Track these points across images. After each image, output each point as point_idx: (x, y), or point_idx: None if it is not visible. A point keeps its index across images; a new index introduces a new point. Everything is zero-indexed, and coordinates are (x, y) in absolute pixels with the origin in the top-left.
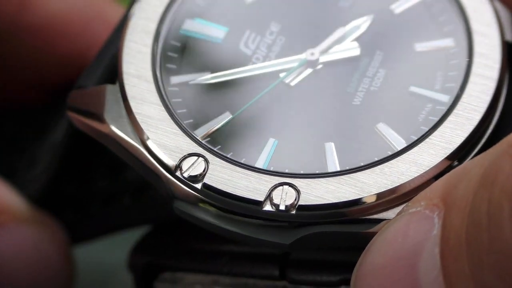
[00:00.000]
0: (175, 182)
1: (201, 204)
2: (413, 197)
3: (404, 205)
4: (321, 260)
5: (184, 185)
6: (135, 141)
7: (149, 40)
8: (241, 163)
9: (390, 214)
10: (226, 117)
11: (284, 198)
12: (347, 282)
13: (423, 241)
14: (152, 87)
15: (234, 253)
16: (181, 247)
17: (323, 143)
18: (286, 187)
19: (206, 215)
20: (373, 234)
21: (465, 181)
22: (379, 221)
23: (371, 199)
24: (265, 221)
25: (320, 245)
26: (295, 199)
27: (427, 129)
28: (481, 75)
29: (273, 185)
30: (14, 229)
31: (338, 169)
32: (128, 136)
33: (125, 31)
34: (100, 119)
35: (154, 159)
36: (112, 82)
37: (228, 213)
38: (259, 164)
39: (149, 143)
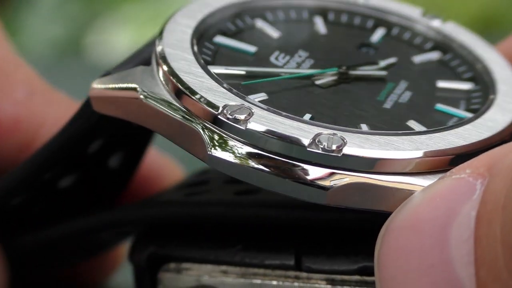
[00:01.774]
0: (216, 130)
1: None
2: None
3: (447, 172)
4: (339, 248)
5: (227, 129)
6: (171, 99)
7: (189, 30)
8: (285, 114)
9: (428, 181)
10: (261, 96)
11: (330, 140)
12: (365, 270)
13: (461, 204)
14: (190, 52)
15: (247, 242)
16: (188, 235)
17: (358, 124)
18: (331, 135)
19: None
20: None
21: None
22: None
23: (416, 156)
24: (307, 164)
25: (355, 204)
26: (341, 144)
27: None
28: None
29: (318, 131)
30: None
31: None
32: (164, 96)
33: (164, 26)
34: (131, 90)
35: (194, 111)
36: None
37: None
38: None
39: (190, 95)
